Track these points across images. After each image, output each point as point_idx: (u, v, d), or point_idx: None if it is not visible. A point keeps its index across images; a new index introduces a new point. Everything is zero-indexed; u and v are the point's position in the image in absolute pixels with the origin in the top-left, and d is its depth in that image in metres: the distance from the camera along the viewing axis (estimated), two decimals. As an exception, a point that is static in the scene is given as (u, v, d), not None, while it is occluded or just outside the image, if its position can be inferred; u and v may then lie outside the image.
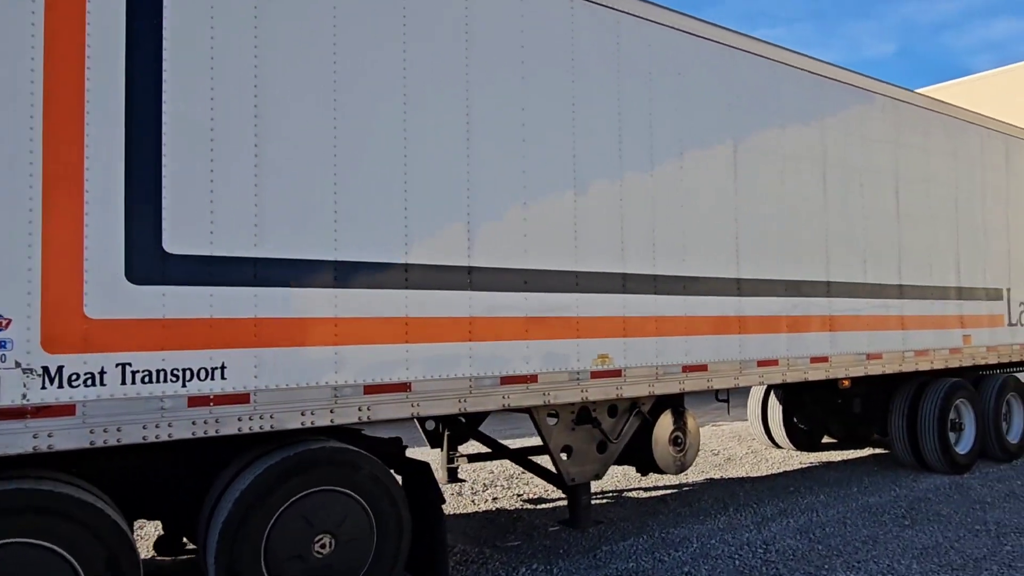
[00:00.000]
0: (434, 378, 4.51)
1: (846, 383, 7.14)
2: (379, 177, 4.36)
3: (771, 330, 6.33)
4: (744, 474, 8.10)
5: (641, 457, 6.13)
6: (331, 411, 4.14)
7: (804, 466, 8.49)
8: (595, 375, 5.23)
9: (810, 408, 8.99)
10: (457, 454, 6.69)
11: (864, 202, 7.24)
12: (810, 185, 6.78)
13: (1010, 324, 8.85)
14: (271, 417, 3.95)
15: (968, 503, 6.75)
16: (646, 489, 7.38)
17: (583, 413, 5.46)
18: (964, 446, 8.15)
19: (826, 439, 9.88)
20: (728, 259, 6.10)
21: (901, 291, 7.52)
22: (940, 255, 8.02)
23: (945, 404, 7.83)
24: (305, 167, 4.12)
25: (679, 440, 6.11)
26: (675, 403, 6.11)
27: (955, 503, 6.75)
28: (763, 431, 9.36)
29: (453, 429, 6.70)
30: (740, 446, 9.78)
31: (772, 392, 9.23)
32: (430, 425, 6.70)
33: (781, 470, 8.32)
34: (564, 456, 5.41)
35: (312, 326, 4.12)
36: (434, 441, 6.76)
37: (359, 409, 4.26)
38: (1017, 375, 9.04)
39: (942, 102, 8.25)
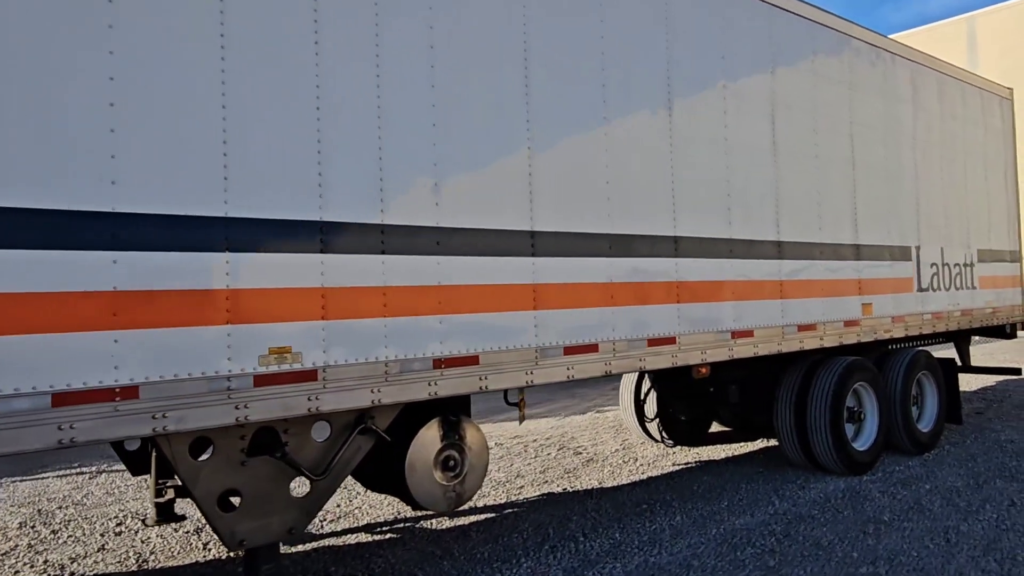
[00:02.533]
0: None
1: (703, 371, 5.23)
2: None
3: (587, 303, 4.35)
4: (596, 484, 6.18)
5: (401, 487, 4.15)
6: None
7: (676, 468, 6.62)
8: (265, 380, 3.18)
9: (684, 397, 7.10)
10: (167, 483, 4.63)
11: (728, 135, 5.29)
12: (648, 112, 4.79)
13: (920, 290, 7.05)
14: None
15: (860, 522, 4.92)
16: (456, 512, 5.42)
17: (266, 436, 3.44)
18: (864, 440, 6.32)
19: (718, 427, 8.09)
20: (517, 205, 4.08)
21: (779, 249, 5.62)
22: (831, 204, 6.12)
23: (839, 390, 5.99)
24: None
25: (452, 463, 4.12)
26: (446, 409, 4.13)
27: (843, 524, 4.91)
28: (637, 423, 7.43)
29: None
30: (615, 440, 7.88)
31: (646, 376, 7.34)
32: (132, 444, 4.63)
33: (646, 475, 6.43)
34: (228, 506, 3.39)
35: None
36: (142, 466, 4.69)
37: None
38: (929, 350, 7.29)
39: (832, 14, 6.32)
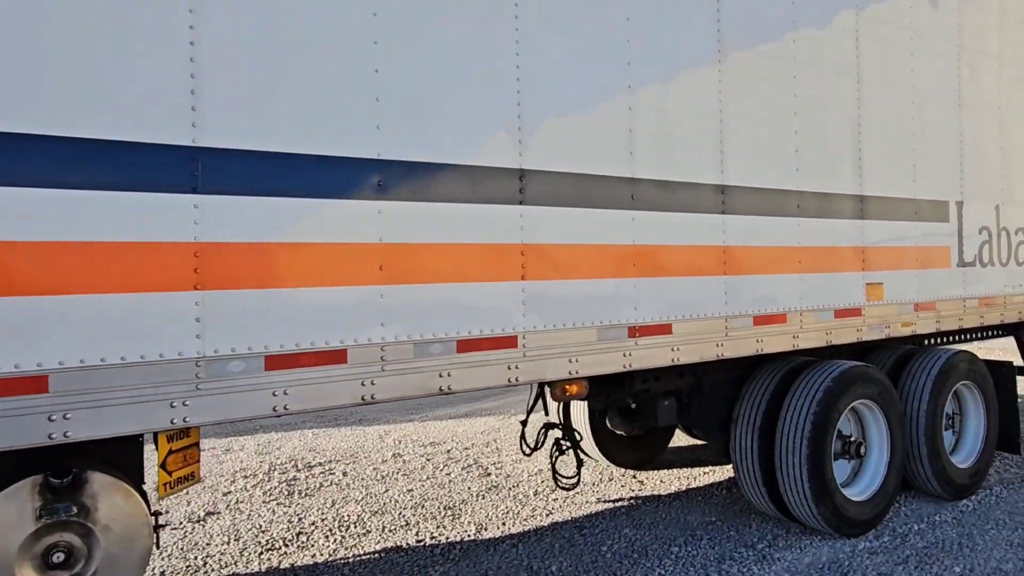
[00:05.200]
0: None
1: (573, 389, 3.25)
2: None
3: (322, 278, 2.43)
4: (472, 532, 4.21)
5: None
6: None
7: (598, 508, 4.58)
8: None
9: (622, 407, 5.05)
10: None
11: (630, 13, 3.20)
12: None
13: (962, 264, 4.78)
14: None
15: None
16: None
17: None
18: (864, 485, 4.14)
19: (689, 439, 6.04)
20: (174, 111, 2.23)
21: (724, 198, 3.52)
22: (819, 134, 3.94)
23: (825, 411, 3.85)
24: None
25: (62, 556, 2.28)
26: (68, 458, 2.33)
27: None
28: (565, 438, 5.51)
29: None
30: (545, 455, 5.94)
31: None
32: None
33: (550, 519, 4.41)
34: None
35: None
36: None
37: None
38: (972, 350, 5.01)
39: None
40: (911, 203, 4.35)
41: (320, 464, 5.58)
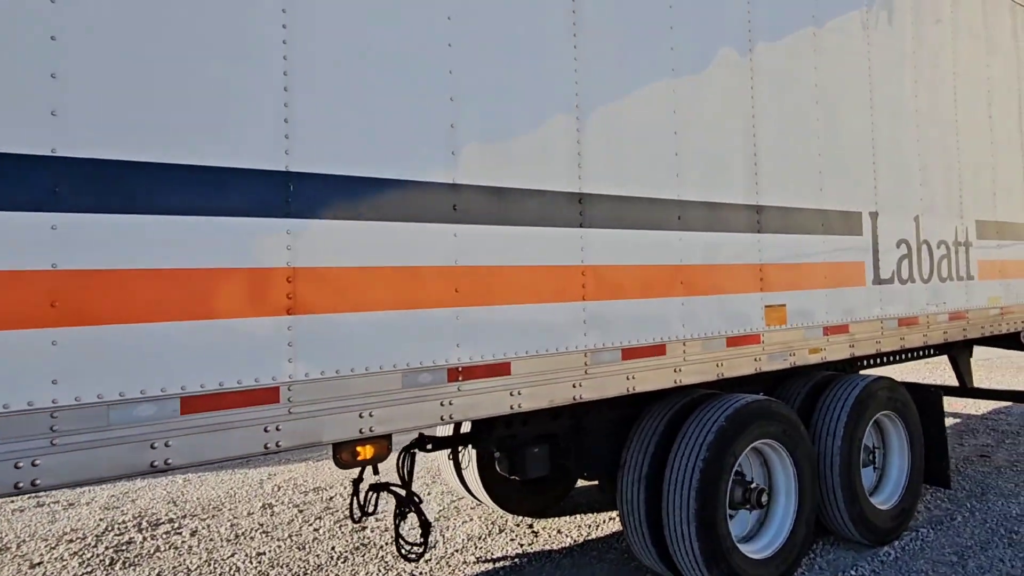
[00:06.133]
0: None
1: (369, 451, 2.57)
2: None
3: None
4: (316, 608, 3.56)
5: None
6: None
7: (477, 571, 3.95)
8: None
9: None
10: None
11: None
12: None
13: (878, 281, 4.28)
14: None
15: None
16: None
17: None
18: (769, 538, 3.53)
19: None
20: None
21: (582, 209, 2.91)
22: (701, 138, 3.42)
23: (716, 457, 3.24)
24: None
25: None
26: None
27: None
28: (455, 475, 4.84)
29: None
30: (440, 500, 5.26)
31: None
32: None
33: (415, 586, 3.80)
34: None
35: None
36: None
37: None
38: (891, 377, 4.50)
39: None
40: (818, 214, 3.83)
41: (171, 521, 4.77)
